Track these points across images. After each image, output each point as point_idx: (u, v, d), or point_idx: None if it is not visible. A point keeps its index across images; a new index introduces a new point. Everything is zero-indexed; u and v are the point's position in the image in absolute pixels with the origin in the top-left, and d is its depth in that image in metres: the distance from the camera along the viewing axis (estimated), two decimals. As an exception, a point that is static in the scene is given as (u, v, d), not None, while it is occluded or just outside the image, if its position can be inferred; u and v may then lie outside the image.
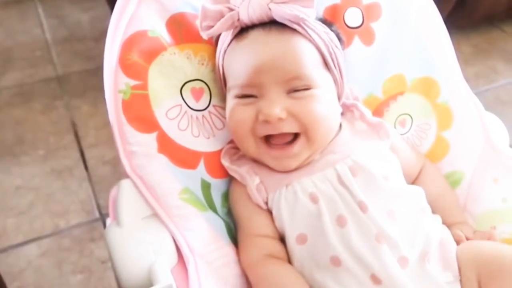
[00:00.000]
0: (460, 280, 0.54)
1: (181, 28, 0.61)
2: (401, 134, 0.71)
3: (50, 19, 1.67)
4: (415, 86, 0.71)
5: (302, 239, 0.54)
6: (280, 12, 0.55)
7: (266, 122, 0.54)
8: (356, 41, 0.68)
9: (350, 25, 0.68)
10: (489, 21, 1.58)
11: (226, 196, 0.62)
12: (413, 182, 0.66)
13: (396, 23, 0.69)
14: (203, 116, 0.61)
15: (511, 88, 1.36)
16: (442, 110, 0.71)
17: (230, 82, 0.59)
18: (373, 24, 0.69)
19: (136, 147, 0.55)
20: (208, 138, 0.61)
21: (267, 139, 0.57)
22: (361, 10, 0.69)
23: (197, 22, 0.59)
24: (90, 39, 1.53)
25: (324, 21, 0.62)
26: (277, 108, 0.54)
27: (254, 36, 0.56)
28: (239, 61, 0.57)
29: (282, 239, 0.57)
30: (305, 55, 0.56)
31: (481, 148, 0.70)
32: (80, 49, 1.51)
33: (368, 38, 0.69)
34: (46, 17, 1.69)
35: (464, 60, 1.40)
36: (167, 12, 0.60)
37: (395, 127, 0.71)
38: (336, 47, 0.60)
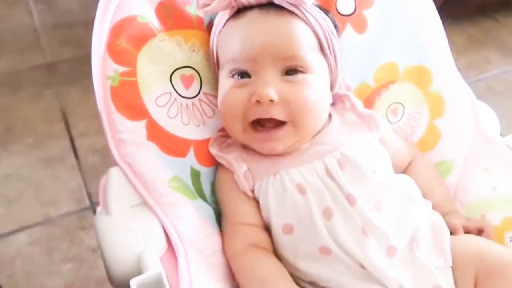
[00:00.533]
0: (452, 268, 0.55)
1: (170, 14, 0.60)
2: (393, 123, 0.71)
3: (39, 5, 1.64)
4: (407, 75, 0.71)
5: (288, 229, 0.54)
6: None
7: (258, 103, 0.54)
8: (349, 28, 0.68)
9: (342, 12, 0.68)
10: (483, 11, 1.57)
11: (216, 185, 0.61)
12: (403, 173, 0.66)
13: (388, 10, 0.69)
14: (193, 103, 0.61)
15: (504, 78, 1.36)
16: (434, 99, 0.71)
17: (223, 58, 0.58)
18: (365, 11, 0.68)
19: (125, 134, 0.54)
20: (198, 126, 0.61)
21: (255, 126, 0.56)
22: (353, -3, 0.68)
23: (188, 8, 0.59)
24: (80, 25, 1.50)
25: (320, 8, 0.61)
26: (271, 90, 0.53)
27: (252, 16, 0.56)
28: (235, 37, 0.56)
29: (267, 228, 0.57)
30: (302, 37, 0.56)
31: (472, 137, 0.70)
32: (69, 36, 1.49)
33: (361, 26, 0.68)
34: (34, 2, 1.66)
35: (457, 50, 1.39)
36: (156, -3, 0.59)
37: (386, 116, 0.71)
38: (332, 33, 0.60)
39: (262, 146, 0.57)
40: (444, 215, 0.62)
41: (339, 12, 0.67)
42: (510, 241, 0.62)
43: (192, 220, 0.55)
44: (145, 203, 0.53)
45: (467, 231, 0.60)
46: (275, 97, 0.53)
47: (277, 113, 0.54)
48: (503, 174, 0.66)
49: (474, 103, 0.71)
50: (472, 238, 0.59)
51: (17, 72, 1.39)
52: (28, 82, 1.35)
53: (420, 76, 0.71)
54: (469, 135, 0.70)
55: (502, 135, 0.73)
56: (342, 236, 0.52)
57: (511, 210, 0.64)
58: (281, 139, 0.55)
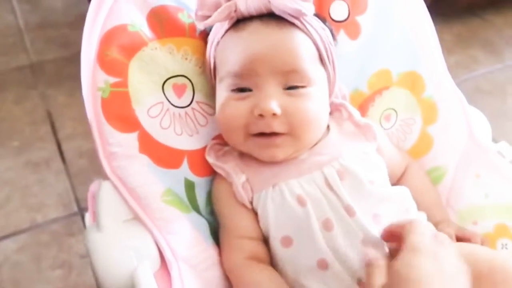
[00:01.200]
0: None
1: (162, 22, 0.58)
2: (386, 129, 0.71)
3: (23, 4, 1.61)
4: (400, 81, 0.70)
5: (287, 241, 0.54)
6: (281, 6, 0.53)
7: (261, 116, 0.53)
8: (342, 35, 0.67)
9: (335, 18, 0.67)
10: (471, 10, 1.58)
11: (211, 195, 0.60)
12: (397, 182, 0.66)
13: (381, 16, 0.68)
14: (186, 113, 0.60)
15: (490, 77, 1.37)
16: (427, 105, 0.71)
17: (223, 71, 0.56)
18: (358, 17, 0.68)
19: (116, 147, 0.53)
20: (192, 135, 0.60)
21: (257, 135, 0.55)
22: (347, 3, 0.67)
23: (180, 16, 0.57)
24: (65, 25, 1.46)
25: (318, 16, 0.60)
26: (274, 103, 0.52)
27: (253, 28, 0.55)
28: (236, 49, 0.55)
29: (265, 240, 0.56)
30: (303, 49, 0.55)
31: (465, 143, 0.70)
32: (54, 36, 1.46)
33: (354, 32, 0.68)
34: (18, 2, 1.62)
35: (446, 48, 1.40)
36: (147, 5, 0.58)
37: (380, 122, 0.71)
38: (331, 43, 0.59)
39: (263, 153, 0.56)
40: (437, 223, 0.62)
41: (332, 18, 0.67)
42: (502, 248, 0.62)
43: (185, 234, 0.54)
44: (137, 218, 0.52)
45: (459, 240, 0.60)
46: (278, 111, 0.53)
47: (279, 127, 0.54)
48: (494, 180, 0.67)
49: (466, 109, 0.71)
50: (464, 245, 0.59)
51: (0, 73, 1.35)
52: (13, 83, 1.32)
53: (413, 82, 0.71)
54: (461, 141, 0.70)
55: (493, 139, 0.73)
56: (342, 248, 0.52)
57: (503, 217, 0.64)
58: (282, 146, 0.55)
